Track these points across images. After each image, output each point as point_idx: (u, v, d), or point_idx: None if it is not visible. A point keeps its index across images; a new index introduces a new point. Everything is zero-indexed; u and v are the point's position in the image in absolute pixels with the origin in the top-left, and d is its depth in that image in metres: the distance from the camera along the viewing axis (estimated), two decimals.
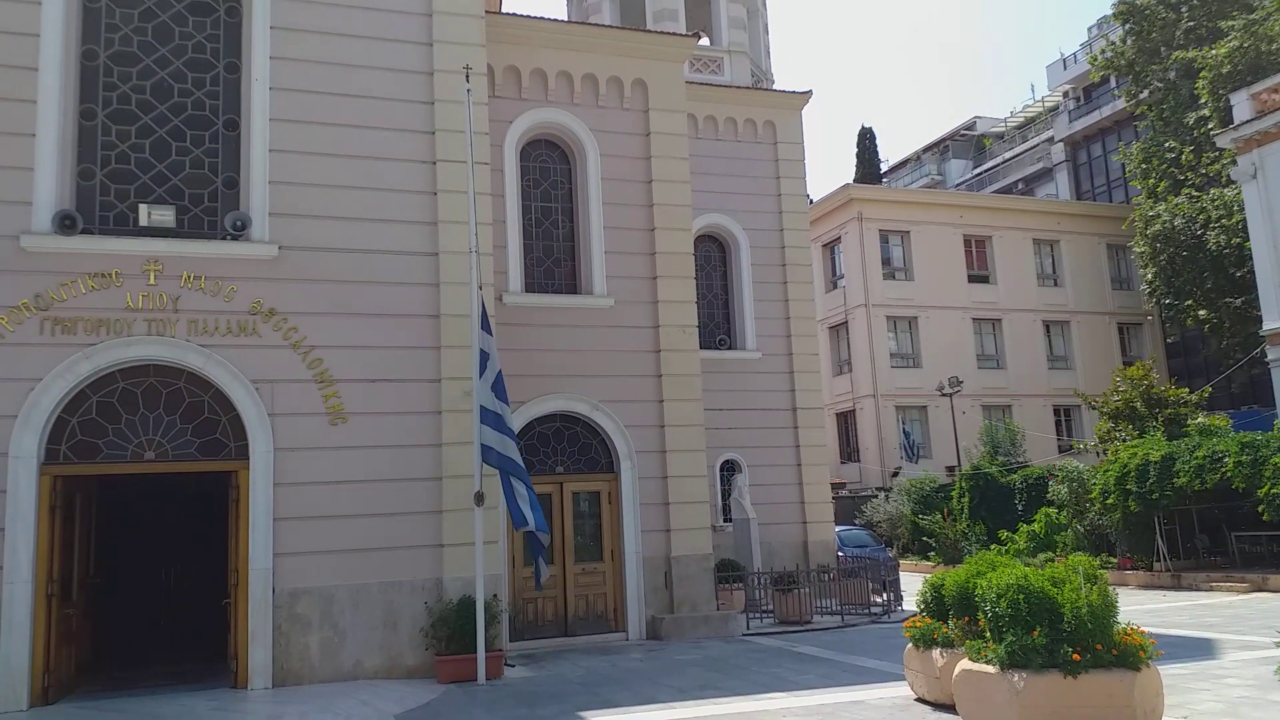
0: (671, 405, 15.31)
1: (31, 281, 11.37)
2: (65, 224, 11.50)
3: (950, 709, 8.73)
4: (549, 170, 16.11)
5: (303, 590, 11.78)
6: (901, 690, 9.91)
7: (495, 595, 12.28)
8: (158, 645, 16.37)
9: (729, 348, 19.63)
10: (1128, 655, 7.55)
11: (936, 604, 9.45)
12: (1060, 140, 45.85)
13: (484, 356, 12.06)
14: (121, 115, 12.31)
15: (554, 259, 15.96)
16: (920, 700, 9.43)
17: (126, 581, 16.80)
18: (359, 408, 12.38)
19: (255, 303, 12.11)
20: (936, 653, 9.10)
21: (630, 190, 15.82)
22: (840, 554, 20.35)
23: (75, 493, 11.93)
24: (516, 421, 14.53)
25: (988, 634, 8.14)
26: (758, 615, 15.91)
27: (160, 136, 12.39)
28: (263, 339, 12.11)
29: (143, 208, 11.93)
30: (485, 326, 12.19)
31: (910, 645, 9.60)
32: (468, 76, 12.81)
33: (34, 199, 11.50)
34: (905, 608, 17.82)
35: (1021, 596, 7.77)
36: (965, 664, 8.14)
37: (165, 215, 11.97)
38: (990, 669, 7.76)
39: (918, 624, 9.53)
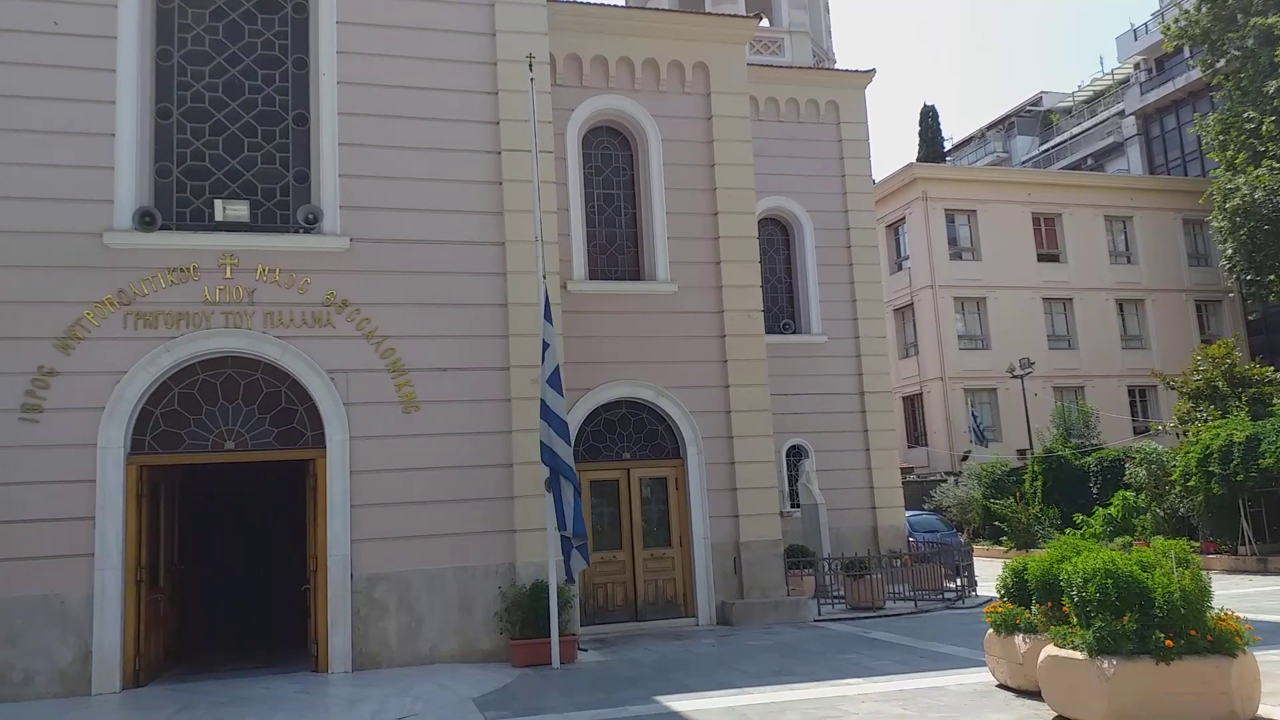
0: (737, 390, 15.22)
1: (114, 277, 11.70)
2: (145, 221, 11.81)
3: (1034, 695, 8.55)
4: (610, 157, 16.09)
5: (380, 576, 11.99)
6: (982, 676, 9.73)
7: (569, 580, 12.34)
8: (237, 630, 16.83)
9: (794, 332, 19.45)
10: (1223, 641, 7.31)
11: (1018, 589, 9.25)
12: (1131, 114, 44.44)
13: (544, 348, 12.07)
14: (195, 113, 12.59)
15: (617, 246, 15.95)
16: (1002, 686, 9.25)
17: (206, 568, 17.28)
18: (430, 396, 12.53)
19: (329, 294, 12.31)
20: (1019, 638, 8.90)
21: (692, 174, 15.72)
22: (910, 539, 20.09)
23: (160, 482, 12.29)
24: (582, 409, 14.64)
25: (1074, 620, 7.94)
26: (828, 601, 15.77)
27: (233, 133, 12.65)
28: (336, 330, 12.31)
29: (218, 203, 12.19)
30: (547, 316, 12.23)
31: (991, 631, 9.41)
32: (531, 65, 12.84)
33: (115, 197, 11.82)
34: (980, 593, 17.52)
35: (1110, 581, 7.56)
36: (1051, 650, 7.96)
37: (240, 210, 12.21)
38: (1078, 655, 7.57)
39: (999, 609, 9.34)
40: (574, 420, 14.26)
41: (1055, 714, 8.01)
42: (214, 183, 12.49)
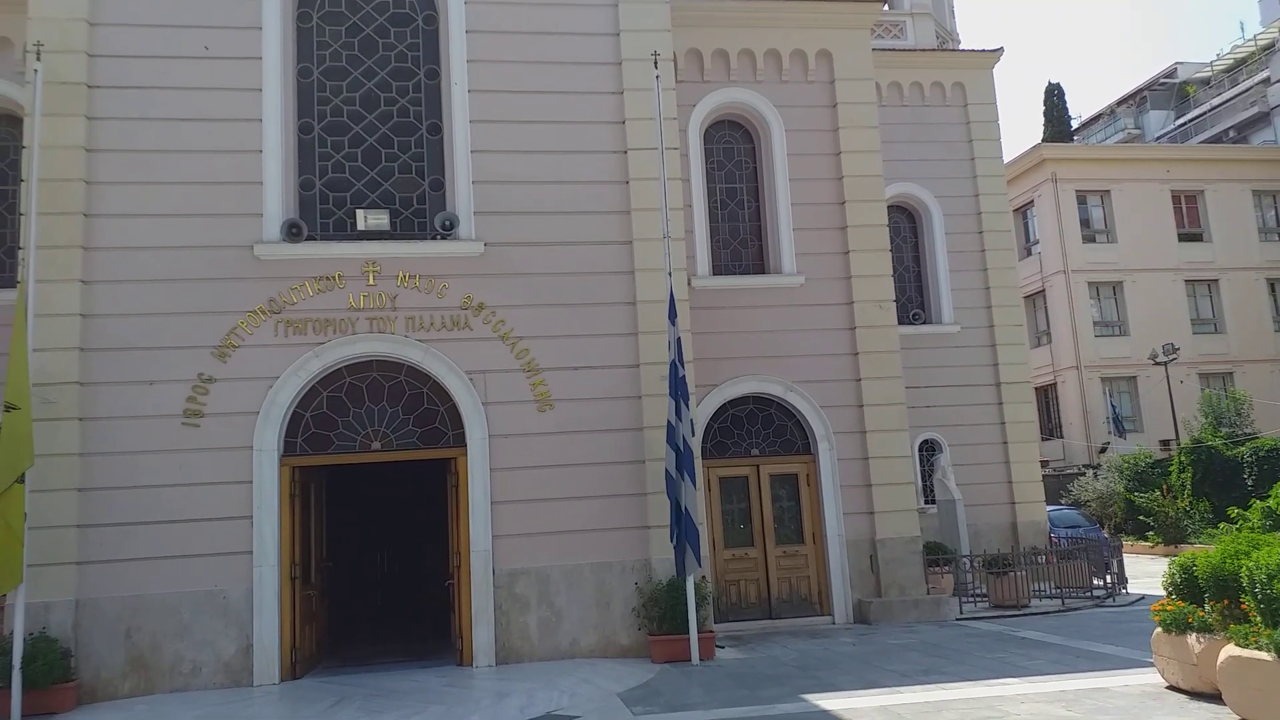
0: (870, 384, 14.89)
1: (265, 287, 12.26)
2: (292, 232, 12.34)
3: (1211, 698, 8.07)
4: (733, 150, 15.98)
5: (520, 571, 12.22)
6: (1148, 677, 9.25)
7: (703, 576, 12.30)
8: (382, 624, 17.45)
9: (924, 322, 18.92)
10: None
11: (1187, 586, 8.76)
12: (1278, 81, 41.58)
13: (673, 349, 11.97)
14: (335, 127, 13.07)
15: (740, 240, 15.84)
16: (1173, 688, 8.76)
17: (351, 564, 17.97)
18: (564, 394, 12.69)
19: (465, 298, 12.61)
20: (1192, 638, 8.41)
21: (817, 164, 15.47)
22: (1052, 535, 19.29)
23: (310, 482, 12.82)
24: (709, 404, 14.59)
25: (1257, 619, 7.45)
26: (969, 599, 15.28)
27: (371, 145, 13.09)
28: (474, 332, 12.60)
29: (360, 213, 12.62)
30: (671, 315, 12.18)
31: (1159, 630, 8.93)
32: (656, 63, 12.85)
33: (264, 210, 12.38)
34: (1131, 590, 16.69)
35: None
36: (1233, 651, 7.49)
37: (380, 219, 12.62)
38: (1265, 656, 7.10)
39: (1168, 607, 8.85)
40: (701, 416, 14.23)
41: (1239, 718, 7.53)
42: (354, 193, 12.94)
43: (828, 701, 9.13)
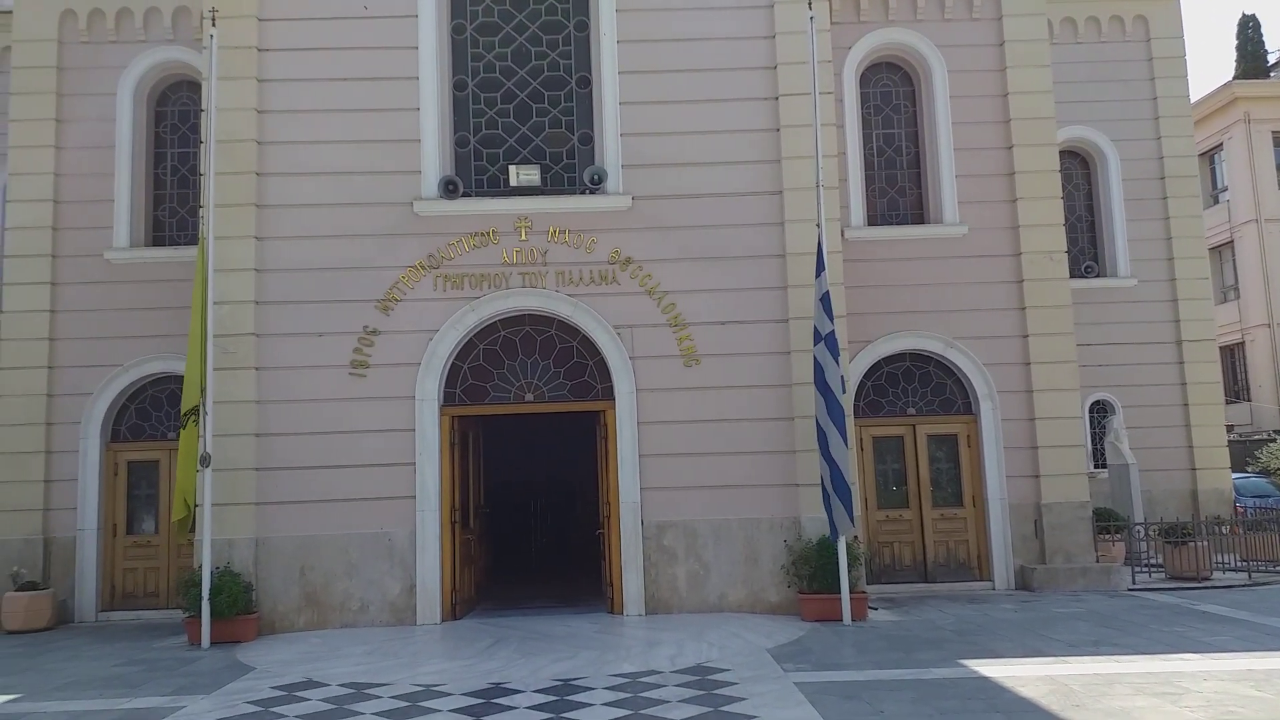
0: (1037, 340, 14.06)
1: (424, 243, 12.61)
2: (449, 189, 12.62)
3: None
4: (890, 95, 15.27)
5: (668, 524, 12.25)
6: None
7: (855, 536, 12.00)
8: (530, 570, 17.96)
9: (1096, 275, 17.70)
10: None
11: None
12: None
13: (822, 304, 11.58)
14: (488, 83, 13.24)
15: (897, 188, 15.18)
16: None
17: (503, 511, 18.56)
18: (711, 349, 12.56)
19: (613, 252, 12.61)
20: None
21: (982, 107, 14.59)
22: (1238, 504, 17.88)
23: (467, 430, 13.21)
24: (862, 362, 14.14)
25: None
26: (1143, 569, 14.34)
27: (522, 100, 13.20)
28: (621, 286, 12.60)
29: (512, 169, 12.77)
30: (821, 268, 11.74)
31: None
32: (810, 3, 12.35)
33: (422, 167, 12.71)
34: None
35: None
36: None
37: (532, 175, 12.74)
38: None
39: None
40: (854, 374, 13.82)
41: None
42: (506, 149, 13.11)
43: (988, 668, 8.75)
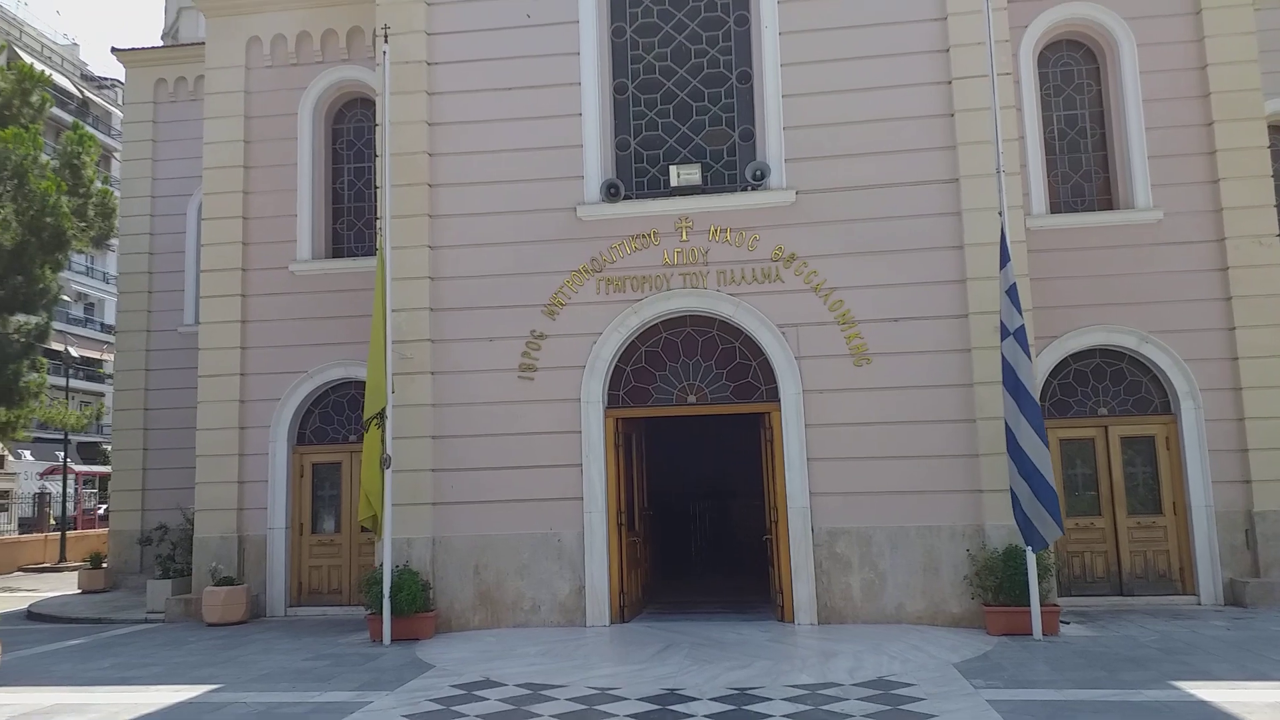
0: (1246, 333, 12.81)
1: (587, 247, 12.66)
2: (611, 192, 12.62)
3: None
4: (1071, 74, 14.28)
5: (840, 530, 11.83)
6: None
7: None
8: (694, 574, 17.79)
9: None
10: None
11: None
12: None
13: (1009, 297, 10.86)
14: (647, 84, 13.19)
15: (1082, 173, 14.17)
16: None
17: (665, 514, 18.47)
18: (882, 348, 12.07)
19: (776, 249, 12.31)
20: None
21: (1177, 82, 13.44)
22: None
23: (631, 432, 13.18)
24: (1048, 359, 13.25)
25: None
26: None
27: (682, 99, 13.08)
28: (785, 284, 12.28)
29: (673, 169, 12.66)
30: (1005, 259, 11.02)
31: None
32: None
33: (584, 172, 12.78)
34: None
35: None
36: None
37: (692, 174, 12.59)
38: None
39: None
40: (1039, 372, 12.95)
41: None
42: (667, 150, 13.02)
43: (1206, 691, 7.95)
